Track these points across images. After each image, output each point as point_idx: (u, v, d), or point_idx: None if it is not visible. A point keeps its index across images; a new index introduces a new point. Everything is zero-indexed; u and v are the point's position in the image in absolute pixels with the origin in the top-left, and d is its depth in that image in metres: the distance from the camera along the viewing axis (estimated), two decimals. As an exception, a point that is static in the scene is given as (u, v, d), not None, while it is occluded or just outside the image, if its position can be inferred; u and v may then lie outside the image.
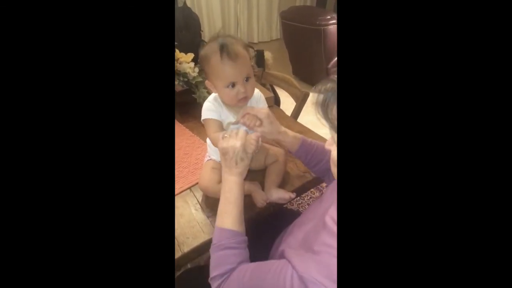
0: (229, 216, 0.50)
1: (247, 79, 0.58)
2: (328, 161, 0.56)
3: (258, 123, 0.59)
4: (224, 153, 0.53)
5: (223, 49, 0.55)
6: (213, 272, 0.47)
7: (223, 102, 0.63)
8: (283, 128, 0.62)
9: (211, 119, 0.62)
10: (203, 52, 0.59)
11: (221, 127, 0.63)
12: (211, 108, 0.63)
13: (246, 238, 0.51)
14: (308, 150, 0.65)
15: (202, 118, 0.63)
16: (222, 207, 0.52)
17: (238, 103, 0.61)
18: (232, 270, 0.46)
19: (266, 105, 0.70)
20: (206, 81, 0.62)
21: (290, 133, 0.63)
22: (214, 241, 0.49)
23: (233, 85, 0.58)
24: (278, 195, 0.64)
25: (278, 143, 0.68)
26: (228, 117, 0.63)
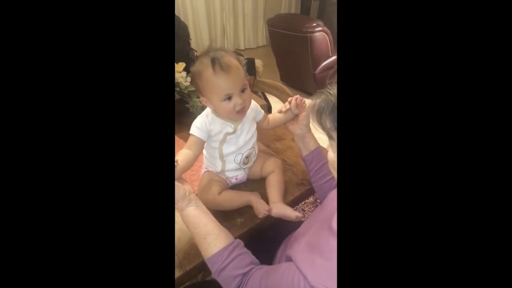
0: (207, 243, 0.49)
1: (243, 90, 0.57)
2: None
3: (299, 111, 0.64)
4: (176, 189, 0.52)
5: (215, 61, 0.54)
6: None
7: (219, 116, 0.61)
8: (311, 128, 0.63)
9: (195, 136, 0.59)
10: (194, 68, 0.57)
11: (199, 147, 0.60)
12: (200, 126, 0.60)
13: (233, 242, 0.50)
14: (321, 158, 0.65)
15: (190, 131, 0.61)
16: (197, 240, 0.51)
17: (236, 116, 0.59)
18: (242, 276, 0.47)
19: (263, 114, 0.70)
20: (201, 98, 0.60)
21: (313, 136, 0.67)
22: (211, 270, 0.49)
23: (230, 97, 0.56)
24: (285, 213, 0.61)
25: (297, 139, 0.68)
26: (225, 127, 0.61)
